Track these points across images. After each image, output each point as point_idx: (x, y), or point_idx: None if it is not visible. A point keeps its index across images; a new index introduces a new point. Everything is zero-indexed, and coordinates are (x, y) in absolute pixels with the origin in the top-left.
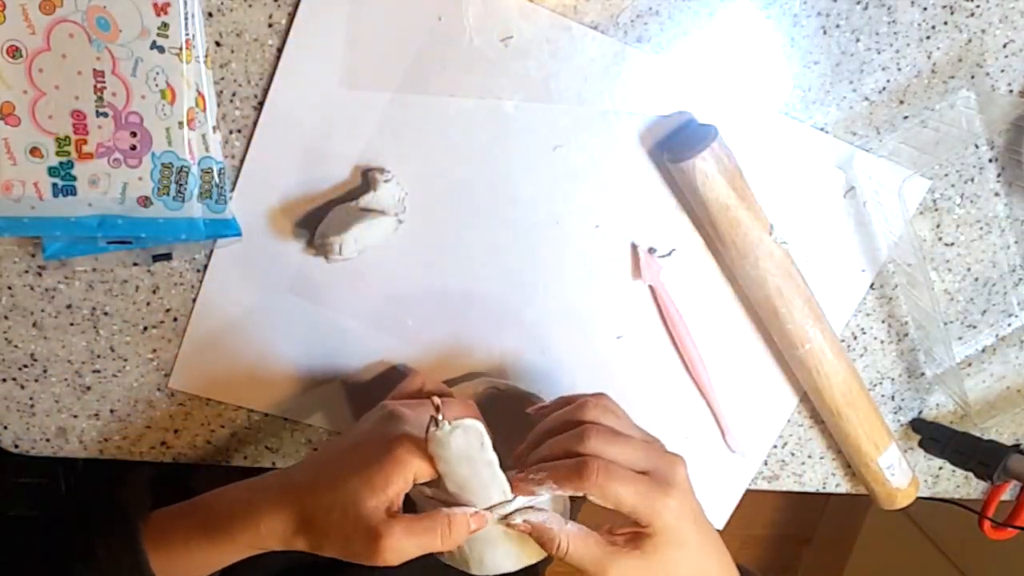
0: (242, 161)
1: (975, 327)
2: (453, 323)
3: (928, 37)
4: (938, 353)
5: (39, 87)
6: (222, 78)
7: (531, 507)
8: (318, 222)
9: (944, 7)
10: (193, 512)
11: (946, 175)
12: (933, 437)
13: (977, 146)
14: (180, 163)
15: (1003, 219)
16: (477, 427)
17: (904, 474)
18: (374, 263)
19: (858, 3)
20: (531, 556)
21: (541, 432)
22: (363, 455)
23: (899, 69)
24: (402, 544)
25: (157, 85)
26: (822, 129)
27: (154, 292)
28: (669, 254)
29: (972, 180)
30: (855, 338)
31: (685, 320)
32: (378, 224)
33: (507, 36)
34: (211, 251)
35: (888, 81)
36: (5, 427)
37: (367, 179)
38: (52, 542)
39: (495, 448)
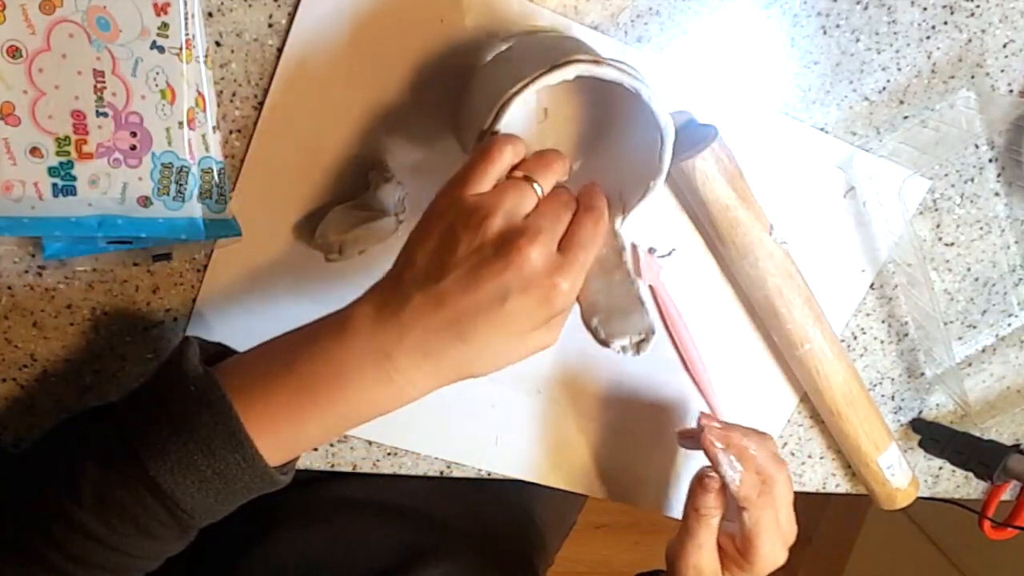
0: (242, 161)
1: (975, 327)
2: None
3: (928, 37)
4: (938, 353)
5: (39, 87)
6: (222, 78)
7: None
8: (318, 222)
9: (944, 7)
10: (283, 383)
11: (946, 175)
12: (933, 437)
13: (977, 146)
14: (180, 163)
15: (1003, 219)
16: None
17: (904, 474)
18: (374, 263)
19: (858, 3)
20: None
21: (740, 443)
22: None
23: (899, 69)
24: (572, 277)
25: (157, 85)
26: (822, 129)
27: (154, 292)
28: (669, 254)
29: (972, 180)
30: (855, 338)
31: (685, 320)
32: (378, 224)
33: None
34: (211, 251)
35: (888, 81)
36: (5, 427)
37: (367, 179)
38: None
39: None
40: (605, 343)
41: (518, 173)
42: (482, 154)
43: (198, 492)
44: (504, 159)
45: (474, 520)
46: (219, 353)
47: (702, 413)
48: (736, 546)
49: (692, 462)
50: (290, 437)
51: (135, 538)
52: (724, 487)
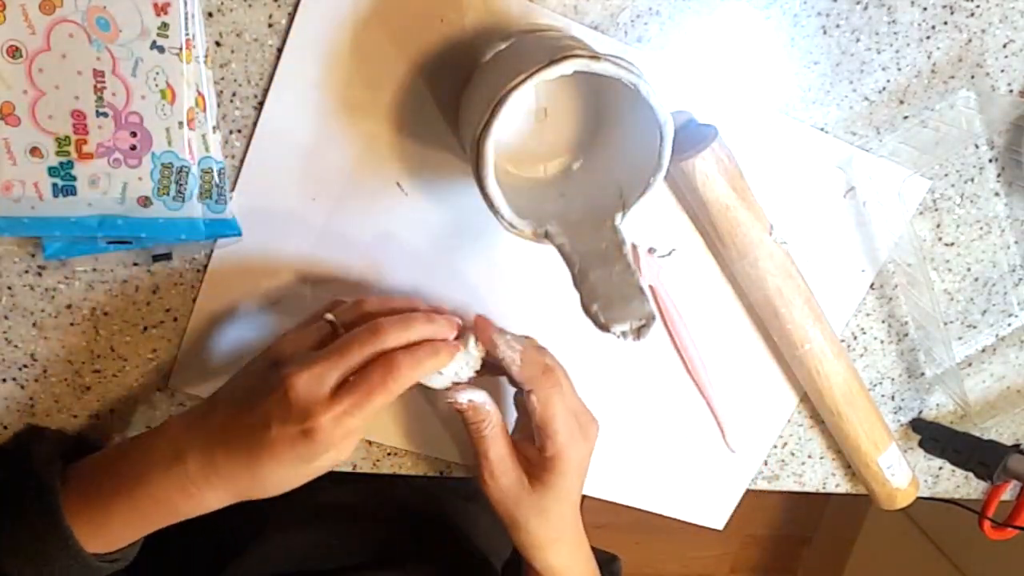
0: (242, 161)
1: (975, 327)
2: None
3: (928, 37)
4: (938, 353)
5: (39, 87)
6: (222, 78)
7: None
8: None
9: (944, 7)
10: (108, 470)
11: (946, 175)
12: (933, 437)
13: (977, 146)
14: (180, 163)
15: (1003, 219)
16: None
17: (904, 474)
18: (376, 261)
19: (858, 3)
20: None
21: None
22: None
23: (899, 69)
24: (334, 413)
25: (157, 85)
26: (822, 129)
27: (154, 292)
28: (669, 254)
29: (972, 180)
30: (855, 338)
31: (685, 320)
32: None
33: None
34: (211, 251)
35: (888, 81)
36: (5, 427)
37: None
38: None
39: None
40: (605, 328)
41: (327, 316)
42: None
43: (23, 568)
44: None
45: (457, 524)
46: (77, 444)
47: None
48: (535, 445)
49: (694, 462)
50: (103, 527)
51: None
52: (487, 403)
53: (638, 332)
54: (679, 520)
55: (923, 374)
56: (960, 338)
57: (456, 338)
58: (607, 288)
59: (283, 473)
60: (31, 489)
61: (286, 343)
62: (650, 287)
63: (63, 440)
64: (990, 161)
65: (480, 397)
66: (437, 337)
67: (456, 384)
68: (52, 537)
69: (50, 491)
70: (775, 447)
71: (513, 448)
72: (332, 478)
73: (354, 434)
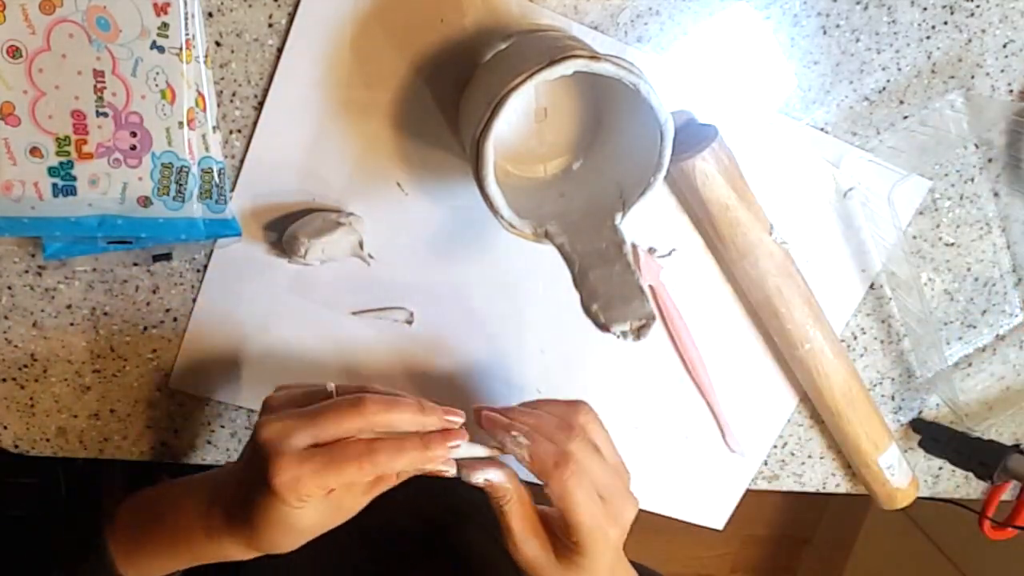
0: (242, 161)
1: (975, 327)
2: (454, 320)
3: (928, 37)
4: (929, 357)
5: (39, 87)
6: (222, 78)
7: (489, 460)
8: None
9: (944, 7)
10: (156, 517)
11: (946, 175)
12: (933, 437)
13: (965, 147)
14: (180, 163)
15: (1003, 219)
16: None
17: (904, 474)
18: (375, 261)
19: (858, 3)
20: None
21: (528, 420)
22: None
23: (899, 69)
24: (295, 472)
25: (157, 85)
26: (822, 129)
27: (154, 292)
28: (669, 254)
29: (972, 180)
30: (855, 338)
31: (685, 320)
32: (347, 239)
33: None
34: (211, 251)
35: (888, 81)
36: (5, 427)
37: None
38: (32, 548)
39: None
40: (605, 328)
41: (330, 385)
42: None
43: None
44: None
45: (447, 539)
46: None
47: (475, 406)
48: (559, 527)
49: (694, 462)
50: (143, 562)
51: None
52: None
53: (638, 332)
54: (679, 520)
55: (918, 376)
56: (960, 338)
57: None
58: (607, 288)
59: (273, 534)
60: (81, 532)
61: (275, 397)
62: (650, 287)
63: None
64: (990, 161)
65: (497, 476)
66: (425, 429)
67: (472, 461)
68: (100, 567)
69: (98, 534)
70: (775, 447)
71: (538, 520)
72: None
73: (316, 501)
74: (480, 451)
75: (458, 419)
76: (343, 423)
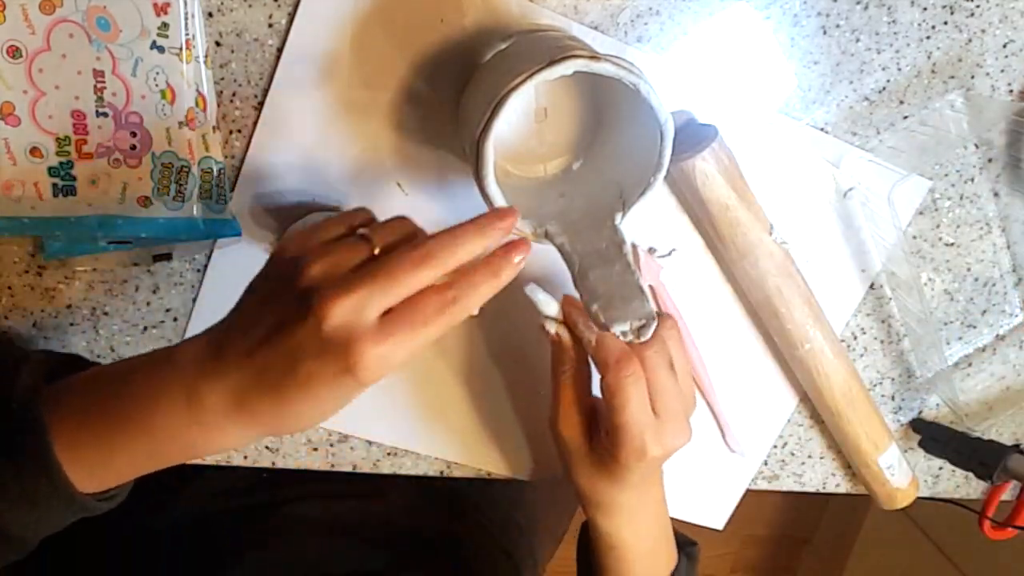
0: (242, 161)
1: (975, 327)
2: None
3: (928, 37)
4: (929, 357)
5: (39, 87)
6: (222, 78)
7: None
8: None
9: (944, 7)
10: (108, 398)
11: (946, 175)
12: (933, 437)
13: (965, 147)
14: (180, 163)
15: (1003, 219)
16: None
17: (904, 474)
18: None
19: (858, 3)
20: None
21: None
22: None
23: (899, 69)
24: (380, 349)
25: (157, 85)
26: (822, 129)
27: (154, 292)
28: (669, 254)
29: (972, 180)
30: (855, 338)
31: (685, 320)
32: None
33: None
34: (211, 251)
35: (888, 81)
36: None
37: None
38: None
39: None
40: (605, 328)
41: (362, 229)
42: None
43: (8, 511)
44: (331, 230)
45: (445, 539)
46: (67, 363)
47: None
48: (604, 424)
49: (694, 462)
50: (100, 464)
51: None
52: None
53: (638, 332)
54: (679, 520)
55: (918, 376)
56: (960, 338)
57: None
58: (607, 288)
59: (316, 410)
60: (14, 424)
61: (315, 264)
62: (650, 287)
63: (48, 362)
64: (990, 161)
65: (565, 335)
66: (488, 251)
67: (548, 308)
68: (41, 478)
69: (36, 425)
70: (775, 447)
71: (589, 405)
72: (311, 494)
73: (396, 368)
74: (554, 308)
75: (511, 220)
76: (417, 278)
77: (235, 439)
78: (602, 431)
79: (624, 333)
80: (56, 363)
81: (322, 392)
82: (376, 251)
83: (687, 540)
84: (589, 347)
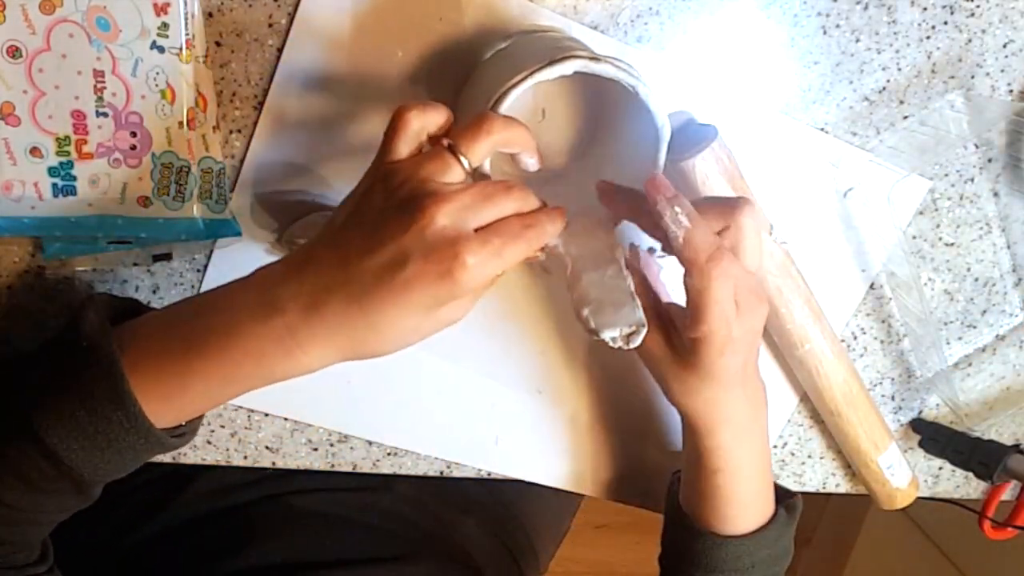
0: (242, 161)
1: (975, 327)
2: None
3: (928, 37)
4: (929, 357)
5: (39, 87)
6: (222, 78)
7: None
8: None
9: (944, 7)
10: (180, 330)
11: (946, 175)
12: (933, 437)
13: (965, 147)
14: (180, 163)
15: (1003, 219)
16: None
17: (904, 474)
18: None
19: (858, 3)
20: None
21: (692, 203)
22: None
23: (899, 69)
24: (482, 254)
25: (157, 85)
26: (822, 129)
27: (154, 292)
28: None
29: (972, 180)
30: (855, 338)
31: None
32: None
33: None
34: (211, 251)
35: (888, 81)
36: None
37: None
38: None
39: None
40: (595, 333)
41: (444, 141)
42: (391, 122)
43: (81, 449)
44: (411, 124)
45: (449, 533)
46: (130, 309)
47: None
48: (683, 322)
49: None
50: (175, 394)
51: (23, 493)
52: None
53: (628, 339)
54: None
55: (918, 376)
56: (960, 338)
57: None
58: (599, 292)
59: (407, 323)
60: (86, 360)
61: (413, 176)
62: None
63: (111, 302)
64: (990, 161)
65: (676, 237)
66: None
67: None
68: (116, 412)
69: (108, 360)
70: (775, 447)
71: (659, 310)
72: (317, 486)
73: (487, 286)
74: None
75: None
76: (508, 201)
77: (315, 360)
78: (684, 332)
79: (614, 339)
80: (119, 304)
81: (418, 298)
82: (467, 165)
83: (787, 491)
84: (676, 243)
